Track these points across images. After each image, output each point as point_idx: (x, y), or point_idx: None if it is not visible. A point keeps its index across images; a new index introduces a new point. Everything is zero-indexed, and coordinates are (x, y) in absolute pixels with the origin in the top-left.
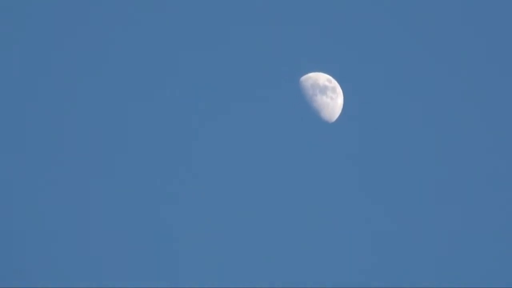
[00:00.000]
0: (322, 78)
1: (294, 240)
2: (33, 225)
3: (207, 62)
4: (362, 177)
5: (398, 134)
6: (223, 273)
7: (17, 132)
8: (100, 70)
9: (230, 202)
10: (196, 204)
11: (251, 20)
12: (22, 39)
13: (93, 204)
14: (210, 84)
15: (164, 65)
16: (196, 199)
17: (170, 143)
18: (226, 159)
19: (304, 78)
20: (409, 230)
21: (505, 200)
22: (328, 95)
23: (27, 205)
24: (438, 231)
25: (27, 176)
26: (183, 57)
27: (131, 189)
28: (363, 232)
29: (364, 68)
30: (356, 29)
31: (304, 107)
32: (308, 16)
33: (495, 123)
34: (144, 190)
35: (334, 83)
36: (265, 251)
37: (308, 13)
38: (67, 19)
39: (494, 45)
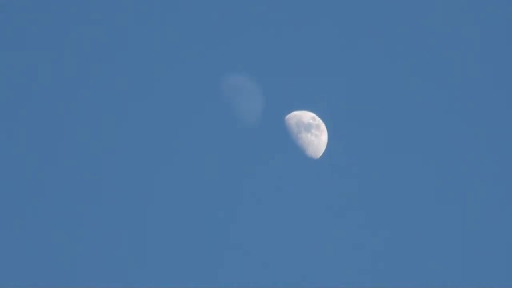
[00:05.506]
0: (306, 116)
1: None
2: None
3: (194, 106)
4: (348, 211)
5: (383, 168)
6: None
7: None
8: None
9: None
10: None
11: (240, 58)
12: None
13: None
14: (196, 118)
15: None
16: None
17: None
18: (210, 198)
19: (289, 116)
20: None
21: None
22: (313, 132)
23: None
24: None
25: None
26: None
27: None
28: (349, 269)
29: (346, 105)
30: (339, 67)
31: (289, 144)
32: (291, 55)
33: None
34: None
35: (318, 120)
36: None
37: (292, 52)
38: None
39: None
